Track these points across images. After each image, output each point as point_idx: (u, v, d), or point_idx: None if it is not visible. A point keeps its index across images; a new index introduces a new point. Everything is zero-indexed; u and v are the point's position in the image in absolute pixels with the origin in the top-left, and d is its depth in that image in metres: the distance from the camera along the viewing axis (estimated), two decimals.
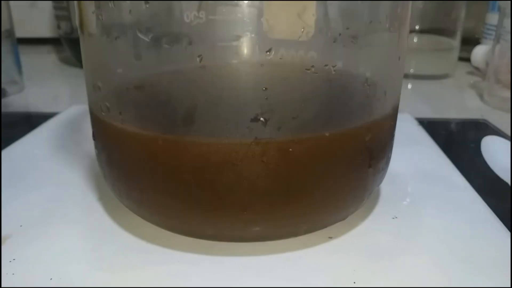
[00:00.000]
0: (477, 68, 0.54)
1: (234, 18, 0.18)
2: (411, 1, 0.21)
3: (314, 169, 0.18)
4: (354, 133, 0.19)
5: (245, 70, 0.18)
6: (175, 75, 0.17)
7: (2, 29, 0.46)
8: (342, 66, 0.19)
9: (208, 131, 0.17)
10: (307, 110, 0.17)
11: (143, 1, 0.17)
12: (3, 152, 0.30)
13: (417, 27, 0.54)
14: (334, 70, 0.18)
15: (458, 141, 0.37)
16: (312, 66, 0.18)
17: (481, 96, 0.47)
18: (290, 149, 0.17)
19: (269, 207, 0.18)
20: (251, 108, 0.17)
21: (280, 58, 0.18)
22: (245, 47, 0.18)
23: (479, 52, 0.53)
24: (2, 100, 0.46)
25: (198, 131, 0.17)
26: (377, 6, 0.19)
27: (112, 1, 0.18)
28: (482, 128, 0.39)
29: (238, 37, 0.18)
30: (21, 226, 0.21)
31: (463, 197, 0.24)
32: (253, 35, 0.18)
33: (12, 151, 0.30)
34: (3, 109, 0.43)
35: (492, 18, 0.54)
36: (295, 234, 0.20)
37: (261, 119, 0.17)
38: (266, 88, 0.16)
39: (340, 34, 0.18)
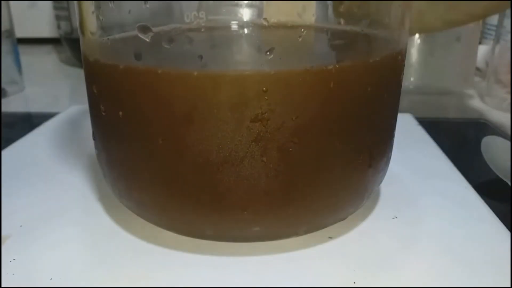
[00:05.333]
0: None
1: (234, 18, 0.18)
2: (410, 1, 0.21)
3: (314, 169, 0.18)
4: (354, 133, 0.19)
5: (244, 70, 0.18)
6: (176, 79, 0.17)
7: (2, 29, 0.46)
8: (342, 66, 0.19)
9: (208, 130, 0.17)
10: (307, 110, 0.17)
11: (143, 1, 0.17)
12: (3, 152, 0.30)
13: None
14: (334, 70, 0.18)
15: (458, 141, 0.37)
16: (312, 66, 0.17)
17: (481, 96, 0.47)
18: (290, 149, 0.17)
19: (269, 207, 0.18)
20: (251, 108, 0.17)
21: (280, 58, 0.18)
22: (245, 47, 0.18)
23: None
24: (2, 100, 0.46)
25: (198, 131, 0.17)
26: (377, 5, 0.19)
27: (112, 1, 0.18)
28: (482, 128, 0.39)
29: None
30: (21, 226, 0.22)
31: (463, 197, 0.24)
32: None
33: (12, 151, 0.30)
34: (3, 109, 0.43)
35: (492, 18, 0.54)
36: (295, 234, 0.20)
37: (261, 119, 0.17)
38: (266, 89, 0.16)
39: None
